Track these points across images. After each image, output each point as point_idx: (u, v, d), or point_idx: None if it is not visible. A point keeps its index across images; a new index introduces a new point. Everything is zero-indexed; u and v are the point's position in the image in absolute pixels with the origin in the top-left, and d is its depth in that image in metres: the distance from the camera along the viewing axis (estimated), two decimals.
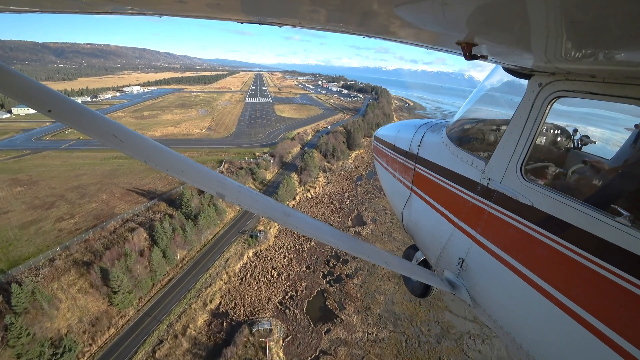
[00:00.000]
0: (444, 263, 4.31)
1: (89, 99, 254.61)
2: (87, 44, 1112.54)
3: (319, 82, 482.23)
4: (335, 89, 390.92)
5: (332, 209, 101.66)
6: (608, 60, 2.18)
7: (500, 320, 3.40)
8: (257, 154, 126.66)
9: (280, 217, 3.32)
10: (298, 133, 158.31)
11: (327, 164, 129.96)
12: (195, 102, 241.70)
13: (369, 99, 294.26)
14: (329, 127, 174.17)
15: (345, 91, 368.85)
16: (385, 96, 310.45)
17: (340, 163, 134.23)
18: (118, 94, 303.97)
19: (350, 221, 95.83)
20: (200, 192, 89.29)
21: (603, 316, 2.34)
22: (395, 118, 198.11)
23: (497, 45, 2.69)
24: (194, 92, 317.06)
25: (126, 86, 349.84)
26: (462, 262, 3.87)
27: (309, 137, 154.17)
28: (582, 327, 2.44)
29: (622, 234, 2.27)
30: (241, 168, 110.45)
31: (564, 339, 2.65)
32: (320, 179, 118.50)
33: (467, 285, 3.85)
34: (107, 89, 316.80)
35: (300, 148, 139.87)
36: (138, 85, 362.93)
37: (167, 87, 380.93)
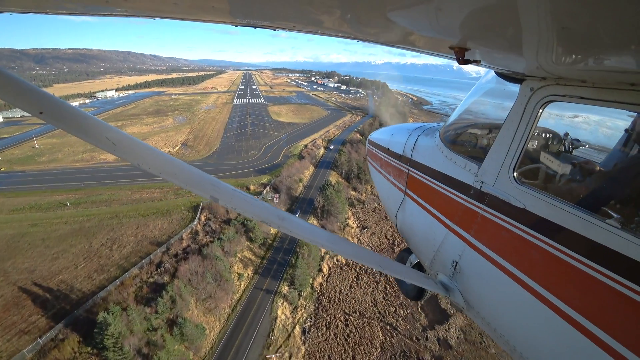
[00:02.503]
0: (437, 266, 4.20)
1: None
2: (69, 49, 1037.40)
3: (313, 79, 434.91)
4: (332, 85, 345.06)
5: (385, 287, 57.86)
6: (598, 66, 2.15)
7: (493, 323, 3.34)
8: (252, 187, 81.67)
9: (275, 220, 3.22)
10: (305, 146, 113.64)
11: (354, 193, 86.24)
12: (173, 107, 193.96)
13: (372, 95, 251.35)
14: (333, 135, 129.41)
15: (344, 87, 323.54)
16: (387, 92, 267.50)
17: (370, 187, 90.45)
18: (88, 101, 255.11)
19: (425, 316, 52.41)
20: (148, 303, 44.68)
21: (595, 318, 2.32)
22: (410, 118, 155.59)
23: (489, 50, 2.66)
24: (175, 94, 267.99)
25: (100, 91, 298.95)
26: (456, 265, 3.78)
27: (321, 152, 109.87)
28: (574, 329, 2.42)
29: (613, 236, 2.24)
30: (227, 221, 65.34)
31: (556, 341, 2.62)
32: (350, 222, 74.99)
33: (461, 288, 3.77)
34: (77, 96, 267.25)
35: (314, 169, 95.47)
36: (113, 90, 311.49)
37: (146, 90, 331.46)
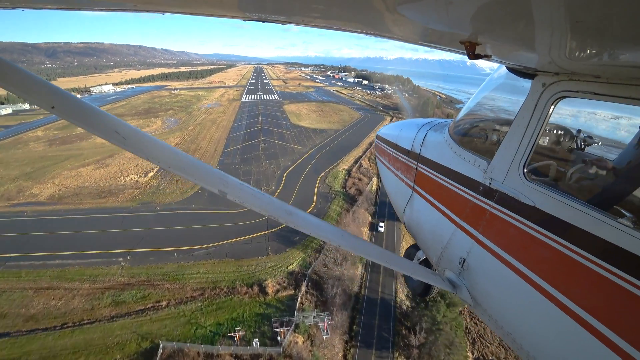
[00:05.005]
0: (445, 262, 4.06)
1: (26, 105, 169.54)
2: (81, 43, 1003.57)
3: (329, 73, 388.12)
4: (351, 80, 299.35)
5: None
6: (612, 61, 2.04)
7: (501, 321, 3.21)
8: (270, 287, 38.86)
9: (283, 215, 3.13)
10: (349, 172, 71.03)
11: None
12: (168, 106, 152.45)
13: (400, 92, 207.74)
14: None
15: (365, 82, 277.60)
16: (416, 89, 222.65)
17: None
18: (78, 96, 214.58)
19: None
20: None
21: (604, 318, 2.22)
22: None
23: (500, 44, 2.54)
24: (177, 89, 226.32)
25: (96, 86, 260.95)
26: (464, 262, 3.64)
27: (375, 183, 67.11)
28: (583, 329, 2.31)
29: (625, 236, 2.13)
30: None
31: (564, 341, 2.52)
32: None
33: (468, 285, 3.62)
34: (71, 90, 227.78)
35: (371, 221, 53.07)
36: (111, 84, 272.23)
37: (147, 84, 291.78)
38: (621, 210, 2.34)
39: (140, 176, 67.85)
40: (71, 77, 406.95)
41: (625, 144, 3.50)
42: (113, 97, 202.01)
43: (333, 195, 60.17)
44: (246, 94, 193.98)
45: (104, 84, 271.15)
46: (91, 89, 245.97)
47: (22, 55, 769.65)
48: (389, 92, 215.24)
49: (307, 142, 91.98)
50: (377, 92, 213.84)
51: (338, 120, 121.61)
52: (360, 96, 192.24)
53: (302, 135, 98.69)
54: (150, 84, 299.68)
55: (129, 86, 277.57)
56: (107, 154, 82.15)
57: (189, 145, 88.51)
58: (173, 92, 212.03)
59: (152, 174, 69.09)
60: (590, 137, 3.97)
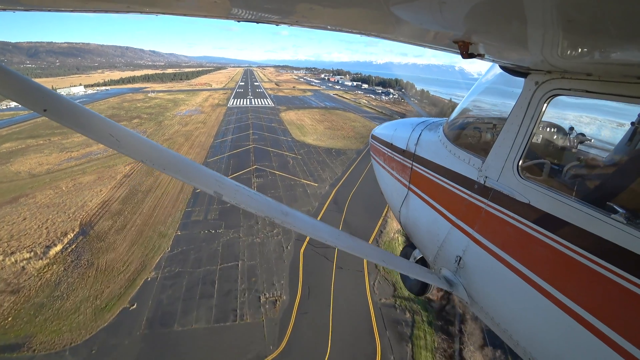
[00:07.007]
0: (441, 261, 4.02)
1: None
2: (65, 42, 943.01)
3: (323, 76, 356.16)
4: (349, 84, 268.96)
5: None
6: (604, 59, 2.01)
7: (497, 318, 3.18)
8: None
9: (279, 216, 3.08)
10: (408, 239, 40.31)
11: None
12: (136, 112, 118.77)
13: (408, 97, 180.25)
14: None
15: (365, 86, 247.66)
16: (425, 95, 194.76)
17: None
18: None
19: None
20: None
21: (599, 314, 2.19)
22: None
23: (493, 43, 2.49)
24: (153, 92, 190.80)
25: (64, 88, 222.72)
26: (460, 260, 3.62)
27: None
28: (578, 325, 2.29)
29: (618, 232, 2.12)
30: None
31: (560, 337, 2.48)
32: None
33: (465, 283, 3.59)
34: None
35: None
36: (82, 86, 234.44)
37: (124, 86, 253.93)
38: (614, 206, 2.25)
39: (36, 255, 35.23)
40: (49, 77, 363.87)
41: (617, 141, 3.40)
42: (79, 101, 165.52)
43: (407, 315, 27.74)
44: (234, 97, 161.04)
45: (77, 85, 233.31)
46: (57, 90, 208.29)
47: (1, 55, 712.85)
48: (395, 96, 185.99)
49: (323, 172, 60.65)
50: (383, 97, 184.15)
51: (353, 134, 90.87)
52: (366, 101, 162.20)
53: (313, 160, 67.45)
54: (129, 85, 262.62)
55: (104, 88, 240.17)
56: (11, 193, 49.11)
57: (142, 179, 56.10)
58: (150, 94, 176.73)
59: (58, 248, 36.27)
60: (583, 135, 3.85)
